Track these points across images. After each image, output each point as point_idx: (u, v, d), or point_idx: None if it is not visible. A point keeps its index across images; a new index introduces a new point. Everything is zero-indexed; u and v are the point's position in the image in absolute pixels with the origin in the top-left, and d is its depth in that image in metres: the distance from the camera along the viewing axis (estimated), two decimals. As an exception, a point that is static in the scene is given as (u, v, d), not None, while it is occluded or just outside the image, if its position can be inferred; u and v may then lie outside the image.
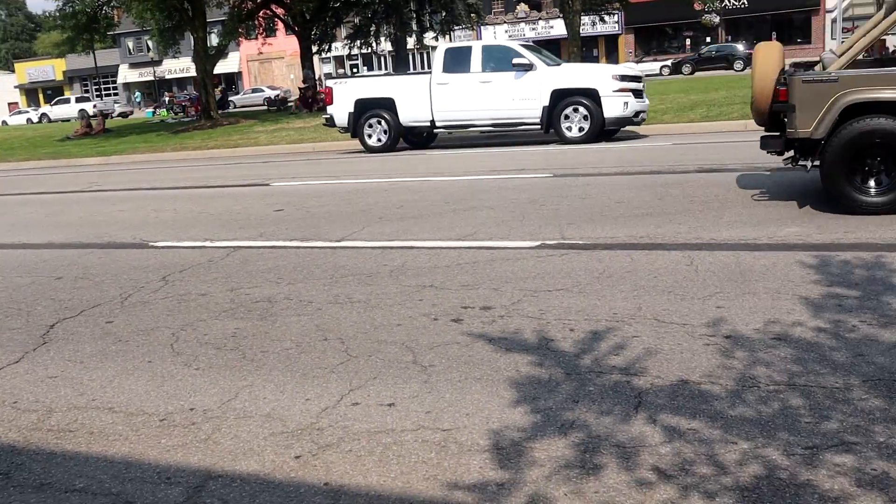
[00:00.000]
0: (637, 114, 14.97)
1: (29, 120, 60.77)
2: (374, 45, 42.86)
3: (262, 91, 55.94)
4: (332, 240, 7.28)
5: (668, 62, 48.13)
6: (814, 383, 3.39)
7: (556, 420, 3.24)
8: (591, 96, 14.69)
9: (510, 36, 60.31)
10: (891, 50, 39.90)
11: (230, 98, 51.86)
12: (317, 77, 41.44)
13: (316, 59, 44.52)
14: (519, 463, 2.93)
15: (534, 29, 59.78)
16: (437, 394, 3.60)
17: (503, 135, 17.35)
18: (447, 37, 50.68)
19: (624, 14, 51.14)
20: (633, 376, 3.61)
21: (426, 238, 7.04)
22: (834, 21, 51.27)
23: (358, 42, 42.17)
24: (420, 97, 16.10)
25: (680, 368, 3.66)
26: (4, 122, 62.26)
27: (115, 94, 75.34)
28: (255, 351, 4.39)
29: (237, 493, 2.88)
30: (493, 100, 15.40)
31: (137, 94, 73.37)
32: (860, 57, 7.37)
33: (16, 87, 79.60)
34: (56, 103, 62.74)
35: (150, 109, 53.77)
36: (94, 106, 58.39)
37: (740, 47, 46.97)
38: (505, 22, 60.36)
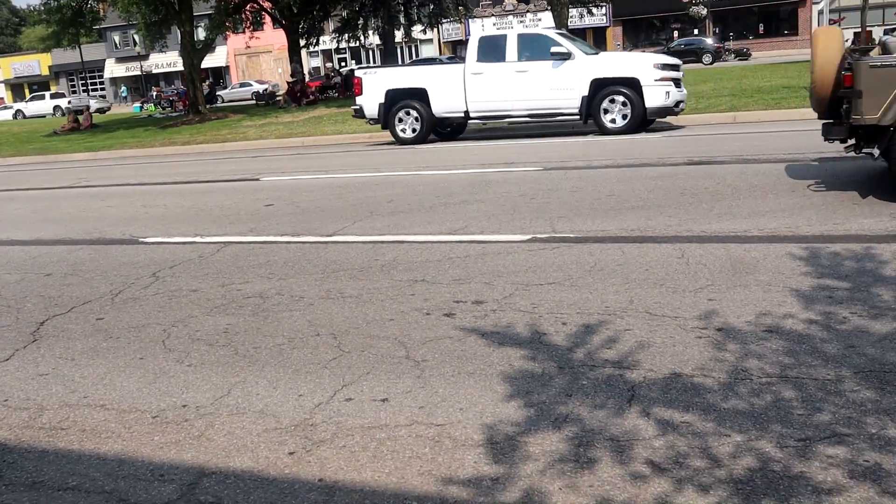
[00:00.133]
0: (677, 103, 14.66)
1: (20, 112, 60.11)
2: (362, 38, 42.74)
3: (250, 85, 55.71)
4: (324, 235, 7.27)
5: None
6: (806, 375, 3.41)
7: (550, 414, 3.25)
8: (633, 86, 14.31)
9: (498, 28, 60.27)
10: (876, 41, 40.09)
11: (218, 93, 51.64)
12: (304, 71, 41.32)
13: (304, 52, 44.40)
14: (513, 457, 2.93)
15: (521, 21, 59.76)
16: (431, 389, 3.60)
17: (532, 126, 17.01)
18: (435, 30, 50.64)
19: (612, 6, 51.17)
20: (626, 370, 3.62)
21: (417, 232, 7.04)
22: (821, 12, 51.46)
23: (346, 35, 42.04)
24: (454, 87, 15.72)
25: (672, 361, 3.67)
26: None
27: (102, 89, 74.90)
28: (247, 347, 4.38)
29: (231, 490, 2.87)
30: (529, 90, 15.03)
31: (123, 88, 72.95)
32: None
33: (1, 82, 78.99)
34: (31, 99, 62.19)
35: (138, 104, 53.49)
36: (69, 102, 58.16)
37: (709, 41, 47.33)
38: (493, 14, 60.32)
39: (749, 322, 4.10)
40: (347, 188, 10.18)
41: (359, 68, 18.08)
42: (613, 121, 14.51)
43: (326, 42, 49.60)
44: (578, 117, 14.95)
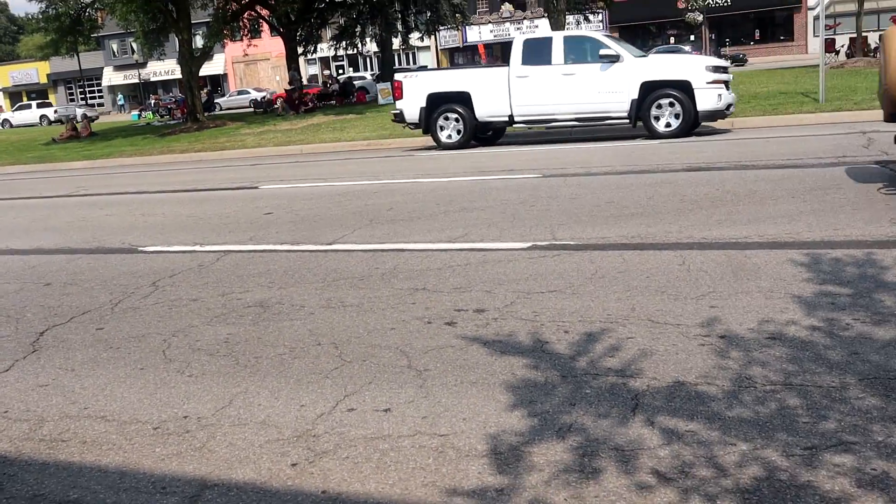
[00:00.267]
0: (728, 106, 14.36)
1: (7, 121, 60.23)
2: (359, 45, 42.83)
3: (248, 93, 55.76)
4: (323, 243, 7.25)
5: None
6: (810, 383, 3.39)
7: (554, 423, 3.23)
8: (684, 88, 14.03)
9: (495, 36, 60.38)
10: (873, 47, 40.15)
11: (216, 100, 51.68)
12: (302, 78, 41.35)
13: (302, 60, 44.46)
14: (518, 468, 2.92)
15: (518, 28, 59.89)
16: (434, 398, 3.58)
17: (569, 130, 16.66)
18: (432, 37, 50.73)
19: (608, 13, 51.27)
20: (630, 378, 3.61)
21: (417, 240, 7.02)
22: (816, 18, 51.56)
23: (343, 43, 42.16)
24: (498, 91, 15.43)
25: (676, 369, 3.66)
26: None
27: (100, 97, 74.93)
28: (248, 357, 4.36)
29: (234, 503, 2.85)
30: (576, 93, 14.73)
31: (121, 96, 72.97)
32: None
33: (-1, 90, 79.10)
34: (17, 109, 62.36)
35: (136, 112, 53.49)
36: (55, 111, 58.39)
37: (687, 48, 47.42)
38: (490, 22, 60.49)
39: (752, 329, 4.09)
40: (347, 196, 10.17)
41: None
42: (668, 124, 14.18)
43: (324, 49, 49.68)
44: (627, 121, 14.62)
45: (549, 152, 13.93)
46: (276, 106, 38.41)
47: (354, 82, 43.37)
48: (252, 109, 44.19)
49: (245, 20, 38.58)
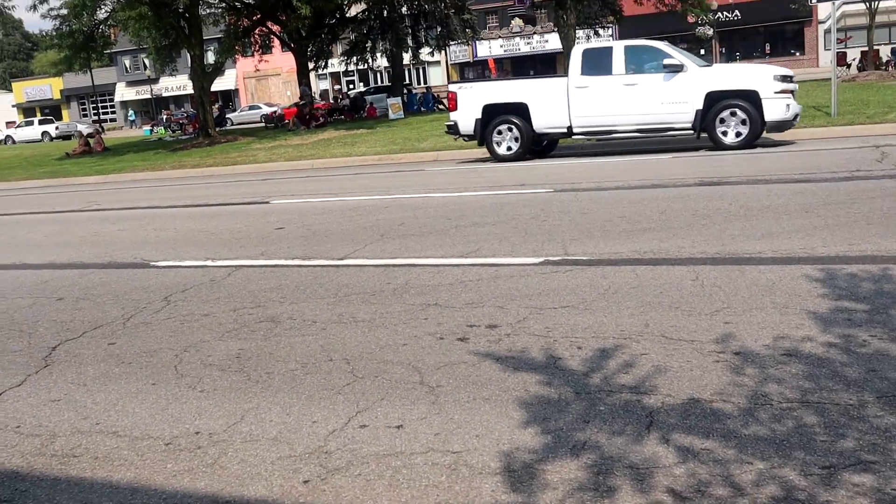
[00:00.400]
0: (795, 116, 13.98)
1: (10, 137, 61.11)
2: (370, 61, 43.02)
3: (260, 108, 56.02)
4: (335, 258, 7.25)
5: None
6: (827, 400, 3.36)
7: (568, 441, 3.20)
8: (751, 98, 13.60)
9: (505, 51, 60.54)
10: (884, 60, 40.07)
11: (227, 115, 51.95)
12: (314, 93, 41.57)
13: (312, 75, 44.68)
14: (531, 486, 2.89)
15: (528, 43, 60.04)
16: (446, 415, 3.55)
17: (627, 141, 16.12)
18: (443, 52, 50.89)
19: (618, 28, 51.32)
20: (644, 395, 3.58)
21: (429, 255, 7.01)
22: (827, 32, 51.52)
23: (354, 58, 42.34)
24: (556, 102, 15.01)
25: (690, 386, 3.63)
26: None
27: (113, 112, 75.46)
28: (259, 372, 4.35)
29: (246, 520, 2.83)
30: (639, 104, 14.31)
31: (132, 112, 73.45)
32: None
33: (13, 106, 79.65)
34: (20, 126, 63.59)
35: (148, 127, 53.83)
36: (57, 128, 59.31)
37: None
38: (500, 37, 60.63)
39: (767, 346, 4.05)
40: (358, 211, 10.17)
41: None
42: (737, 134, 13.73)
43: (335, 65, 49.92)
44: (692, 132, 14.19)
45: (610, 164, 13.61)
46: (286, 121, 38.59)
47: (366, 97, 43.63)
48: (263, 124, 44.39)
49: (256, 36, 38.81)
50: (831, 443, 2.99)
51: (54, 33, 31.22)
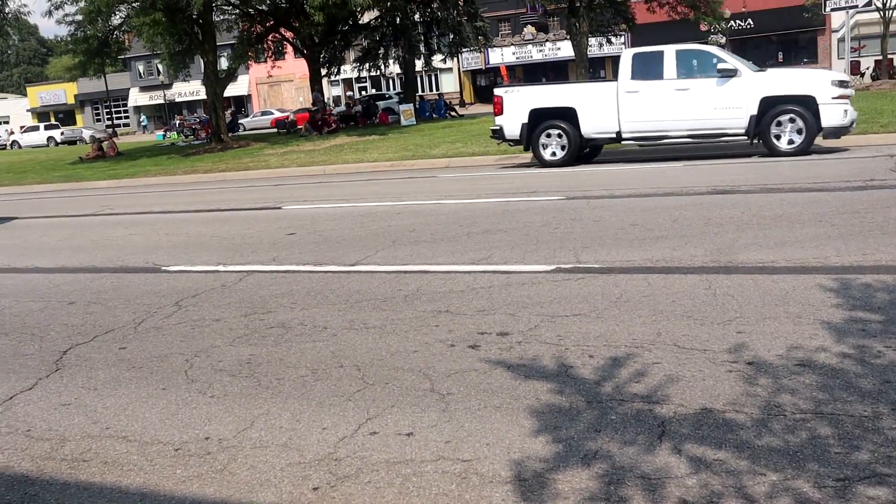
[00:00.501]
0: (852, 122, 13.72)
1: (16, 142, 61.94)
2: (382, 67, 43.11)
3: (272, 114, 56.24)
4: (346, 264, 7.25)
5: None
6: (841, 411, 3.32)
7: (579, 450, 3.18)
8: (807, 104, 13.35)
9: (517, 58, 60.58)
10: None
11: (240, 121, 52.14)
12: (327, 99, 41.69)
13: (325, 81, 44.80)
14: (542, 495, 2.87)
15: (541, 51, 60.05)
16: (457, 423, 3.54)
17: (673, 147, 15.68)
18: (455, 59, 50.96)
19: (630, 35, 51.29)
20: (656, 404, 3.55)
21: (440, 262, 7.00)
22: (841, 40, 51.35)
23: (367, 65, 42.46)
24: (605, 106, 14.81)
25: (703, 396, 3.60)
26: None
27: (126, 117, 75.92)
28: (270, 378, 4.34)
29: (255, 527, 2.82)
30: (691, 109, 14.05)
31: (144, 117, 73.87)
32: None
33: (28, 110, 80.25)
34: (26, 131, 64.61)
35: (161, 132, 54.09)
36: (62, 133, 60.00)
37: None
38: (512, 44, 60.68)
39: (780, 356, 4.02)
40: (370, 217, 10.18)
41: (499, 88, 16.61)
42: (791, 141, 13.52)
43: (347, 71, 50.03)
44: (745, 138, 13.97)
45: (666, 170, 13.37)
46: (298, 127, 38.72)
47: (378, 102, 43.74)
48: (276, 130, 44.55)
49: (269, 42, 38.99)
50: (846, 455, 2.96)
51: (69, 39, 31.41)
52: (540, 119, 15.31)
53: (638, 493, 2.82)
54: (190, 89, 67.45)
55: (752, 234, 7.04)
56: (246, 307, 5.94)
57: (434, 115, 40.41)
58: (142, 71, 73.80)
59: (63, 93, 78.51)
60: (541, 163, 15.53)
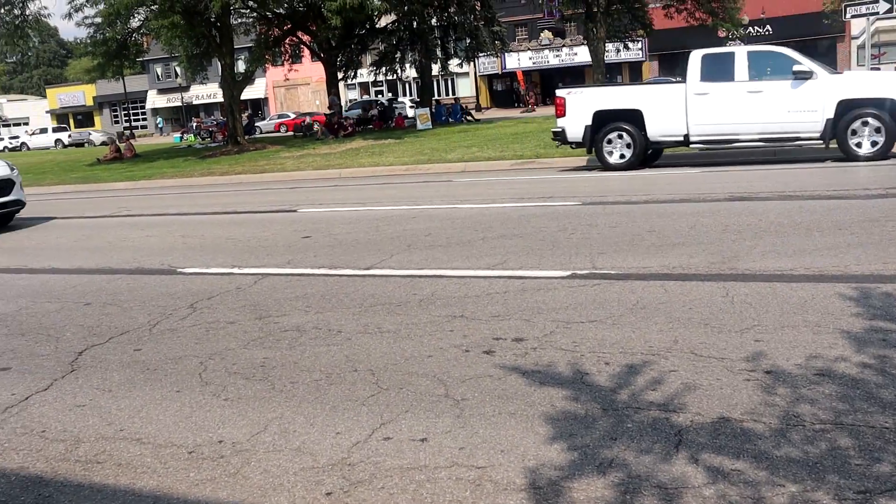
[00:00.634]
0: None
1: (25, 144, 62.83)
2: (399, 71, 43.17)
3: (288, 116, 56.43)
4: (361, 268, 7.24)
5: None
6: (862, 422, 3.27)
7: (595, 458, 3.15)
8: (887, 107, 12.90)
9: (534, 63, 60.53)
10: (920, 77, 39.50)
11: (256, 124, 52.36)
12: (343, 103, 41.80)
13: (342, 85, 44.94)
14: (557, 503, 2.84)
15: (558, 56, 59.94)
16: (471, 429, 3.51)
17: (734, 152, 15.36)
18: (472, 63, 50.97)
19: (648, 41, 51.17)
20: (673, 413, 3.51)
21: (456, 267, 6.97)
22: (861, 47, 50.98)
23: (383, 69, 42.50)
24: (673, 109, 14.41)
25: (720, 405, 3.56)
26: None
27: (144, 119, 76.45)
28: (284, 381, 4.33)
29: (268, 532, 2.81)
30: (764, 112, 13.63)
31: (159, 119, 74.33)
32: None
33: (47, 112, 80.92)
34: (34, 133, 65.70)
35: (178, 134, 54.41)
36: (69, 136, 60.81)
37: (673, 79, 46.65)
38: (529, 49, 60.60)
39: (799, 365, 3.97)
40: (385, 221, 10.17)
41: (561, 89, 16.03)
42: (873, 143, 13.07)
43: (364, 75, 50.13)
44: (820, 142, 13.59)
45: (745, 175, 13.14)
46: (315, 130, 38.83)
47: (394, 106, 43.80)
48: (292, 133, 44.71)
49: (287, 45, 39.14)
50: (866, 466, 2.92)
51: (88, 41, 31.67)
52: (604, 121, 14.94)
53: (654, 502, 2.79)
54: (207, 92, 67.86)
55: (770, 241, 6.97)
56: (260, 310, 5.94)
57: (450, 120, 40.41)
58: (160, 73, 74.27)
59: (82, 94, 79.14)
60: (604, 166, 15.14)
